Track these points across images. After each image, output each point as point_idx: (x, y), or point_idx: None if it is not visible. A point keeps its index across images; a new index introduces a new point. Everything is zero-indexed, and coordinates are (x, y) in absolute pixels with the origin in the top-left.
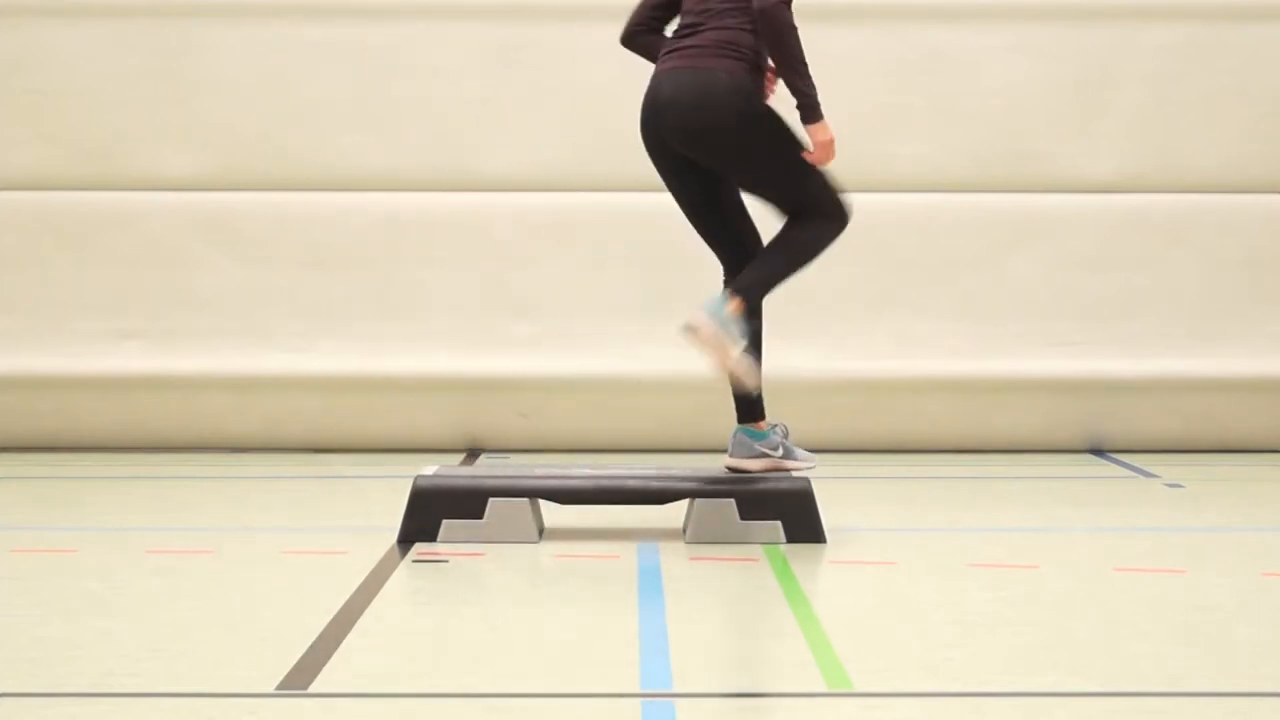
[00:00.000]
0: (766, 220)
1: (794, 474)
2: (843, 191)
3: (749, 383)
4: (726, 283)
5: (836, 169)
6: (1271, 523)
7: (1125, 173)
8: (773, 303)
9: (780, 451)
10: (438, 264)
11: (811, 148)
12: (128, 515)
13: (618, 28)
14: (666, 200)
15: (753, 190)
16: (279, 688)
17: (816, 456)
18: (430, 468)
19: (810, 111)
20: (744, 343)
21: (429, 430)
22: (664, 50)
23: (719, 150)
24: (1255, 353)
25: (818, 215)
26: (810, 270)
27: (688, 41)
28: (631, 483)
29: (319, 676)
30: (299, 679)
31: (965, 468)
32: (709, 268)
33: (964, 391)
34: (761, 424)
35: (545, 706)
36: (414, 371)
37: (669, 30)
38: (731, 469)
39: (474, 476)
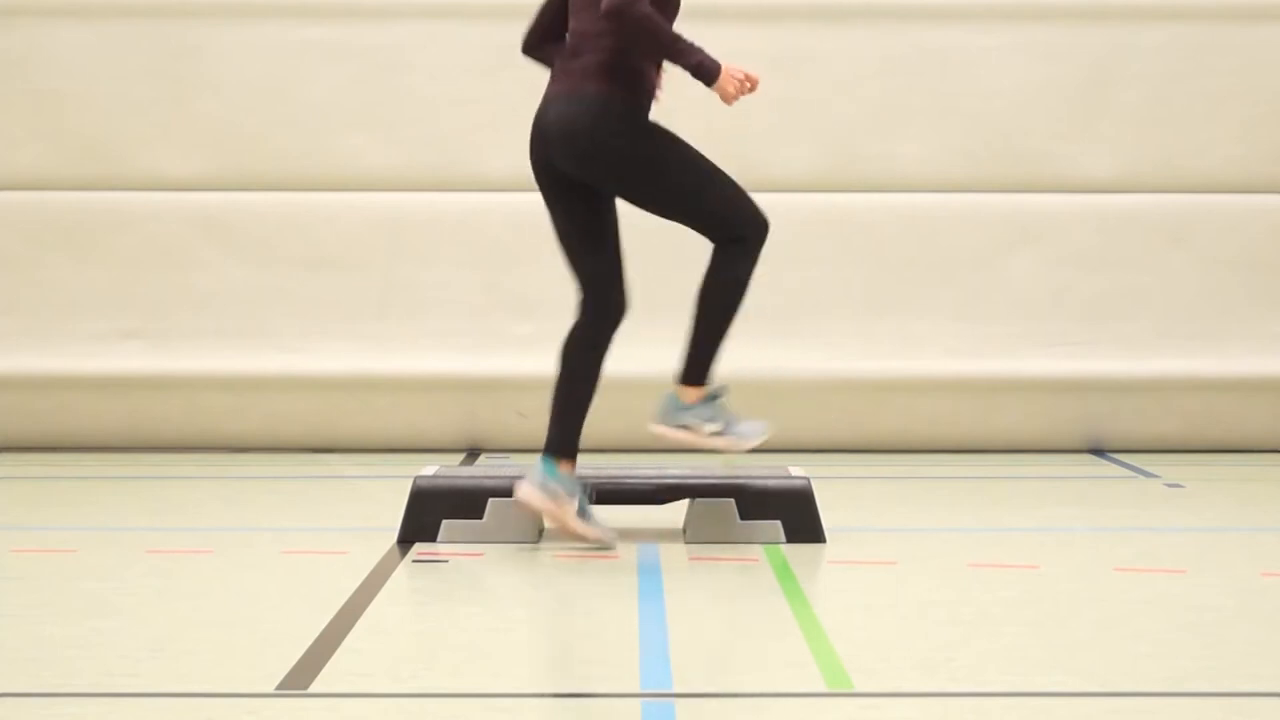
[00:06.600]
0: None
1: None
2: (747, 200)
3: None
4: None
5: (835, 169)
6: (1271, 523)
7: (1125, 173)
8: (773, 303)
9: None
10: (437, 264)
11: (727, 102)
12: (128, 515)
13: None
14: None
15: (663, 215)
16: (279, 688)
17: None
18: (430, 468)
19: (707, 74)
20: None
21: (429, 430)
22: (553, 70)
23: (612, 177)
24: (1255, 353)
25: (730, 241)
26: (810, 270)
27: (569, 64)
28: (631, 483)
29: (319, 676)
30: (299, 679)
31: (965, 468)
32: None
33: (964, 391)
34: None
35: (545, 706)
36: (414, 371)
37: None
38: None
39: (474, 476)
